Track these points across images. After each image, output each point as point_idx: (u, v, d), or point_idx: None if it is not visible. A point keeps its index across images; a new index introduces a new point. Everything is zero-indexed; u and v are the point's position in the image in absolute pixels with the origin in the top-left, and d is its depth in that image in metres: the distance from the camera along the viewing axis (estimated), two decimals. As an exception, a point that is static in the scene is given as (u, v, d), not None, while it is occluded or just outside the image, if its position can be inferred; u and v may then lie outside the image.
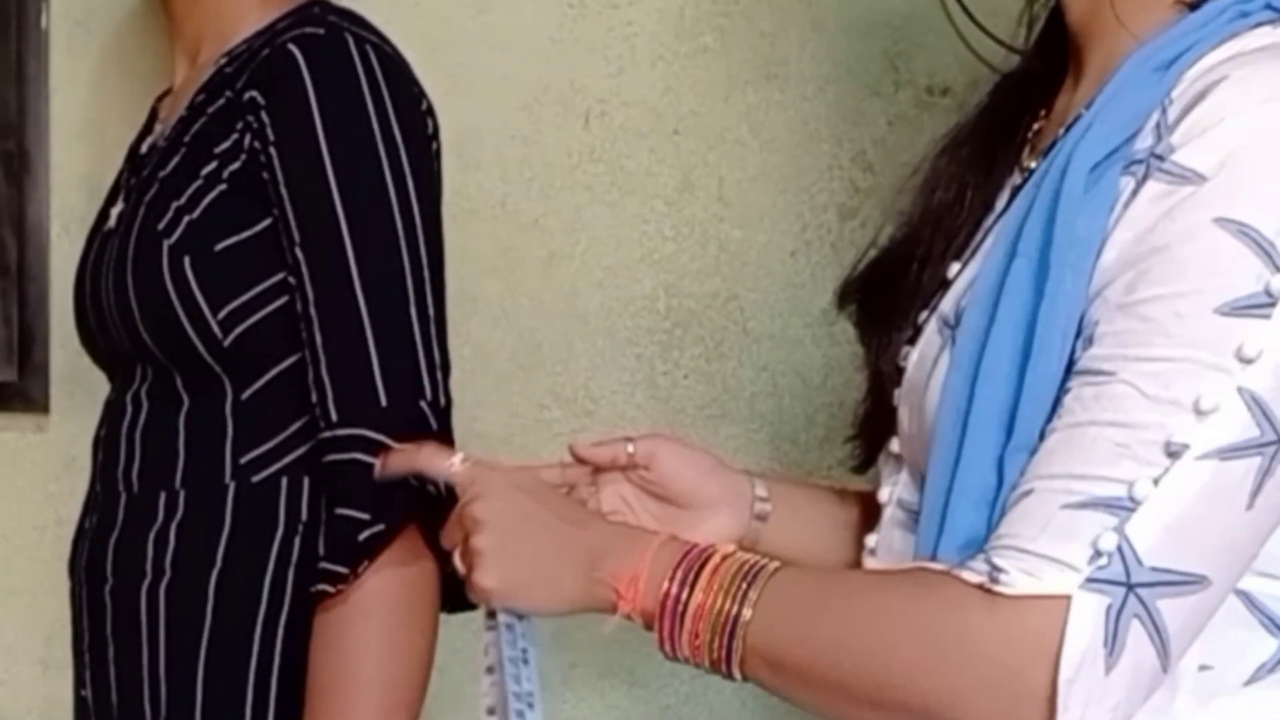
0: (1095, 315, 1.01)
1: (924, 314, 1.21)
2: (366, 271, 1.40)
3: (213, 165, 1.45)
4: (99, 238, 1.58)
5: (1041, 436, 1.02)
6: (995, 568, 0.99)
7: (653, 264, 1.93)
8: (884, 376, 1.24)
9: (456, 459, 1.20)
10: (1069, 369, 1.02)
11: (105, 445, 1.55)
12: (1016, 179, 1.20)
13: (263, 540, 1.47)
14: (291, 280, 1.42)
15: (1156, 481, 0.96)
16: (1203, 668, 1.03)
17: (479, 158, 1.91)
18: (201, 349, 1.44)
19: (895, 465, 1.22)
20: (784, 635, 1.06)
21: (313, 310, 1.41)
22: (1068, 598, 0.96)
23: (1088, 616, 0.96)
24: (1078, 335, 1.02)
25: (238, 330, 1.44)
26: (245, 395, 1.46)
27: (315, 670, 1.41)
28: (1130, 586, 0.96)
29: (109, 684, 1.52)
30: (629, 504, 1.30)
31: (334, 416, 1.40)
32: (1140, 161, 1.01)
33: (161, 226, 1.46)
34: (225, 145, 1.45)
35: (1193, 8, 1.08)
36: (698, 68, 1.94)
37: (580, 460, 1.30)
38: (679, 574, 1.09)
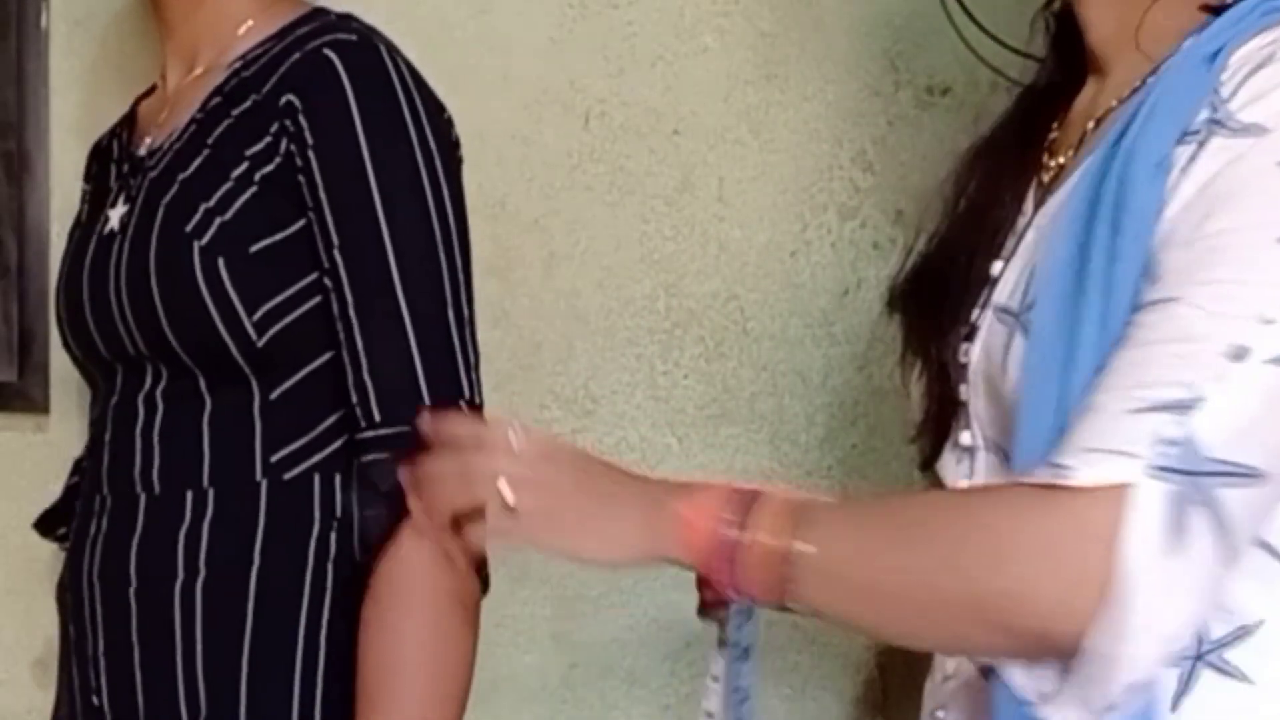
0: (1158, 258, 1.05)
1: (976, 311, 1.25)
2: (406, 275, 1.42)
3: (243, 167, 1.46)
4: (94, 240, 1.56)
5: None
6: (1059, 466, 1.01)
7: (653, 264, 1.93)
8: (946, 374, 1.26)
9: (514, 426, 1.20)
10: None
11: (114, 448, 1.54)
12: (1046, 176, 1.25)
13: (300, 537, 1.48)
14: (328, 282, 1.44)
15: (1220, 379, 0.99)
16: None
17: (479, 158, 1.91)
18: (234, 350, 1.45)
19: (968, 457, 1.25)
20: (855, 560, 1.08)
21: (352, 313, 1.42)
22: (1131, 485, 0.98)
23: (1152, 502, 0.98)
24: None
25: (271, 331, 1.45)
26: (274, 395, 1.47)
27: (367, 661, 1.42)
28: (1193, 475, 0.99)
29: (133, 688, 1.50)
30: None
31: (377, 417, 1.42)
32: (1196, 132, 1.07)
33: (190, 228, 1.46)
34: (258, 148, 1.46)
35: (1216, 12, 1.13)
36: (698, 68, 1.94)
37: None
38: (727, 514, 1.11)
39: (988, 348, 1.21)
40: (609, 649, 1.94)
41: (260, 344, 1.45)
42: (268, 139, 1.45)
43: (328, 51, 1.45)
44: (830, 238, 1.93)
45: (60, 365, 2.01)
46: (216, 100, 1.52)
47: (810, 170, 1.94)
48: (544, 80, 1.93)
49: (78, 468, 1.69)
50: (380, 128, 1.44)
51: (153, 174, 1.54)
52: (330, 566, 1.48)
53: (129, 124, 1.67)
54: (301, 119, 1.44)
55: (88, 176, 1.71)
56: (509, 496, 1.15)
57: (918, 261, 1.34)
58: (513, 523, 1.16)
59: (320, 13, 1.54)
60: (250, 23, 1.55)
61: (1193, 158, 1.06)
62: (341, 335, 1.44)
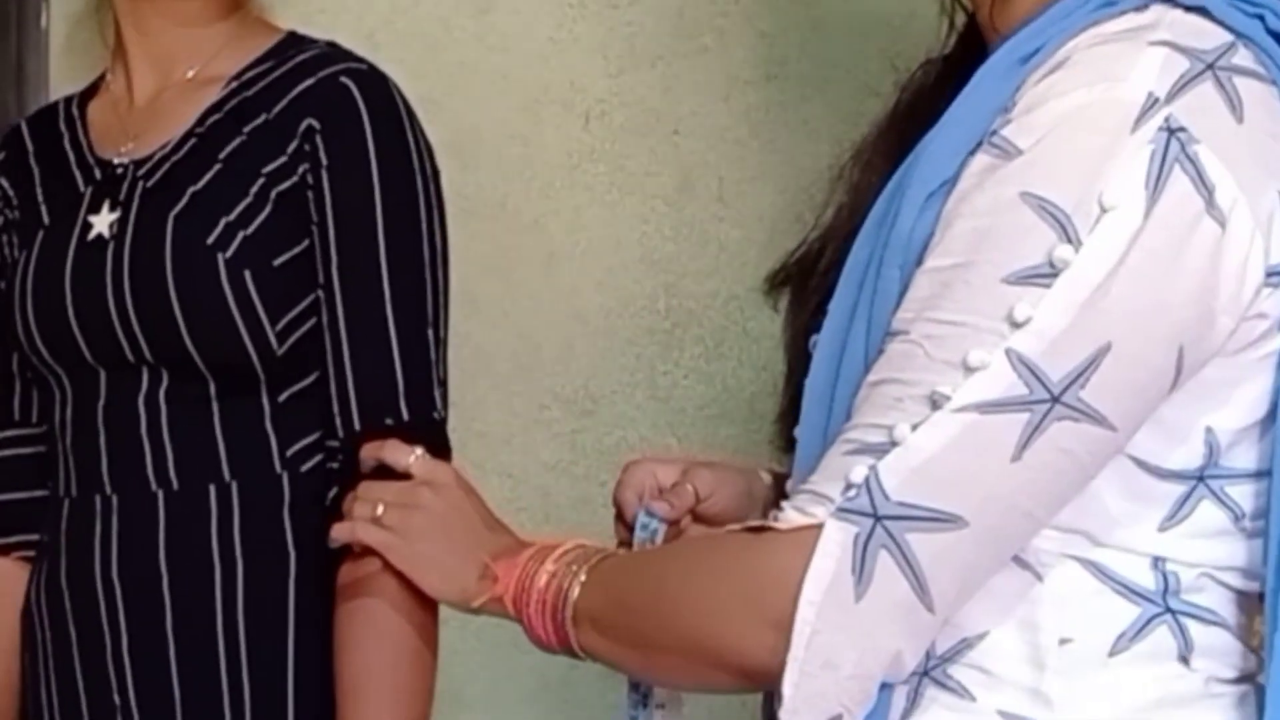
0: (912, 279, 1.05)
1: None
2: (397, 296, 1.51)
3: (260, 184, 1.52)
4: (74, 245, 1.56)
5: None
6: (778, 508, 1.03)
7: (653, 264, 1.93)
8: (795, 361, 1.25)
9: (417, 452, 1.34)
10: None
11: (112, 450, 1.55)
12: None
13: (326, 527, 1.50)
14: (321, 295, 1.51)
15: (915, 427, 1.00)
16: (1064, 641, 1.05)
17: (479, 158, 1.91)
18: (254, 357, 1.51)
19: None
20: (604, 603, 1.12)
21: (342, 327, 1.50)
22: (819, 526, 1.00)
23: (833, 543, 0.99)
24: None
25: (290, 340, 1.52)
26: (282, 398, 1.54)
27: (343, 664, 1.48)
28: (878, 518, 0.99)
29: (169, 685, 1.52)
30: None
31: (357, 426, 1.49)
32: (981, 142, 1.04)
33: (212, 241, 1.51)
34: (274, 166, 1.52)
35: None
36: (698, 68, 1.94)
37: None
38: (532, 563, 1.17)
39: None
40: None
41: (280, 352, 1.51)
42: (284, 158, 1.52)
43: (345, 80, 1.53)
44: (830, 238, 1.93)
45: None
46: (216, 117, 1.56)
47: (810, 170, 1.94)
48: (544, 80, 1.94)
49: None
50: (390, 157, 1.52)
51: (148, 184, 1.55)
52: (318, 567, 1.51)
53: (74, 128, 1.66)
54: (319, 141, 1.51)
55: (11, 177, 1.68)
56: (378, 512, 1.29)
57: (800, 247, 1.32)
58: (377, 534, 1.29)
59: (302, 38, 1.61)
60: (224, 42, 1.60)
61: (964, 173, 1.03)
62: (329, 347, 1.51)
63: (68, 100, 1.70)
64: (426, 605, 1.40)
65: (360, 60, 1.57)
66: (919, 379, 1.00)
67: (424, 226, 1.53)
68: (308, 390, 1.53)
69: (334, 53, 1.58)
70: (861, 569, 0.99)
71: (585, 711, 1.96)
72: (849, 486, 1.00)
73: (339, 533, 1.32)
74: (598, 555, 1.15)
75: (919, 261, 1.04)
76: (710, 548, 1.10)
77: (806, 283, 1.27)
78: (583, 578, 1.13)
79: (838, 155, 1.93)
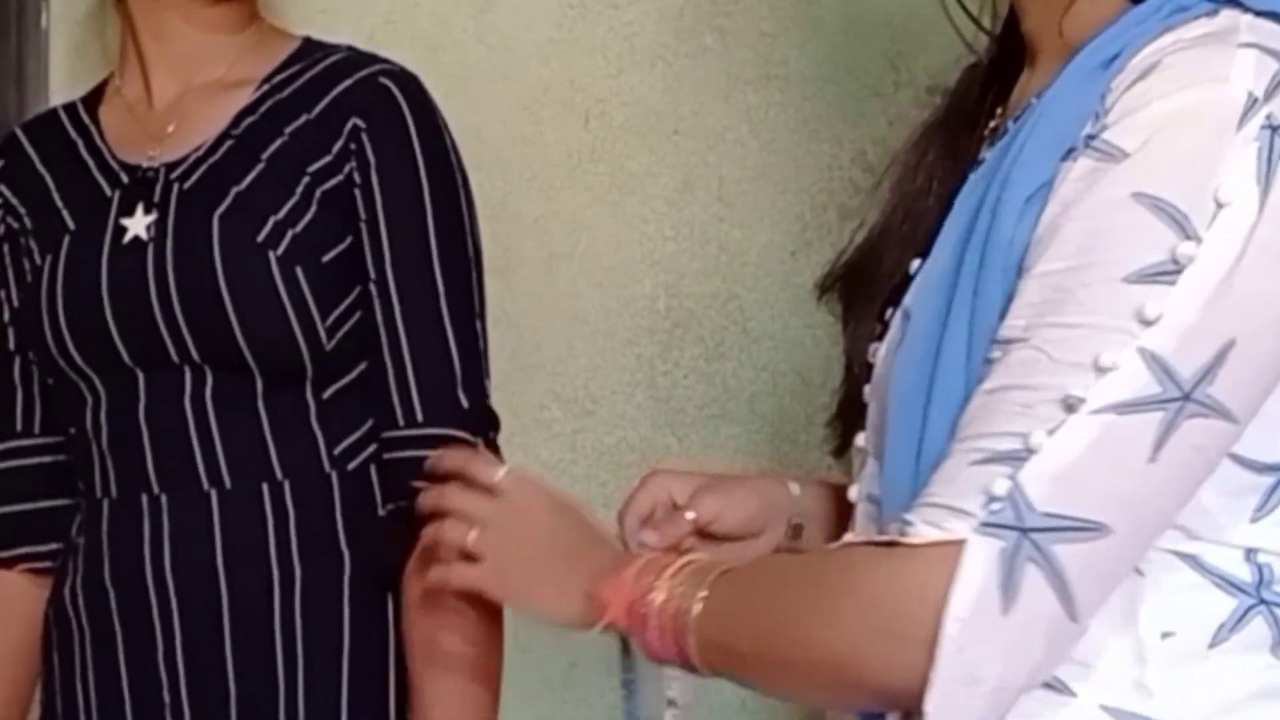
0: (1019, 286, 1.04)
1: (890, 309, 1.23)
2: (449, 288, 1.56)
3: (305, 183, 1.55)
4: (108, 248, 1.57)
5: None
6: (905, 523, 1.02)
7: (653, 264, 1.93)
8: (855, 368, 1.25)
9: (504, 469, 1.28)
10: None
11: (162, 450, 1.55)
12: (972, 173, 1.21)
13: (369, 528, 1.57)
14: (373, 291, 1.55)
15: (1051, 433, 0.98)
16: (1165, 635, 1.05)
17: (479, 158, 1.91)
18: (305, 353, 1.53)
19: (861, 460, 1.23)
20: (726, 623, 1.10)
21: (399, 320, 1.54)
22: (961, 542, 0.98)
23: (980, 559, 0.98)
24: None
25: (338, 336, 1.54)
26: (326, 394, 1.56)
27: (414, 667, 1.53)
28: (1024, 531, 0.98)
29: (224, 685, 1.53)
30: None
31: (419, 417, 1.54)
32: (1074, 149, 1.04)
33: (262, 239, 1.53)
34: (318, 165, 1.55)
35: (1135, 1, 1.10)
36: (698, 68, 1.94)
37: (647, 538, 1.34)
38: (645, 580, 1.14)
39: (888, 351, 1.19)
40: (609, 649, 1.93)
41: (329, 348, 1.54)
42: (329, 157, 1.55)
43: (385, 80, 1.58)
44: (830, 238, 1.93)
45: (60, 365, 2.01)
46: (251, 119, 1.58)
47: (810, 170, 1.94)
48: (544, 80, 1.94)
49: None
50: (433, 154, 1.58)
51: (184, 185, 1.57)
52: (369, 564, 1.56)
53: (89, 134, 1.66)
54: (365, 140, 1.55)
55: (13, 184, 1.67)
56: (471, 543, 1.23)
57: (850, 254, 1.31)
58: (472, 571, 1.24)
59: (320, 42, 1.64)
60: (246, 47, 1.62)
61: (1064, 178, 1.03)
62: (385, 342, 1.55)
63: (67, 108, 1.70)
64: (495, 612, 1.44)
65: (390, 61, 1.60)
66: (1047, 383, 0.99)
67: (465, 221, 1.59)
68: (351, 386, 1.57)
69: (361, 55, 1.62)
70: (1008, 583, 0.98)
71: (585, 711, 1.96)
72: (991, 499, 0.98)
73: (435, 577, 1.27)
74: (714, 571, 1.12)
75: (1021, 266, 1.04)
76: (836, 565, 1.06)
77: (864, 289, 1.26)
78: (703, 593, 1.11)
79: (837, 155, 1.94)
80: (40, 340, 1.59)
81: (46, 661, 1.63)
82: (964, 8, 1.29)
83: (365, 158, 1.55)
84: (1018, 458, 0.99)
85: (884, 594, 1.01)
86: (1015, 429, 0.99)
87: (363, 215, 1.55)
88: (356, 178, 1.55)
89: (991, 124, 1.25)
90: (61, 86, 2.01)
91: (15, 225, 1.65)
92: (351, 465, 1.57)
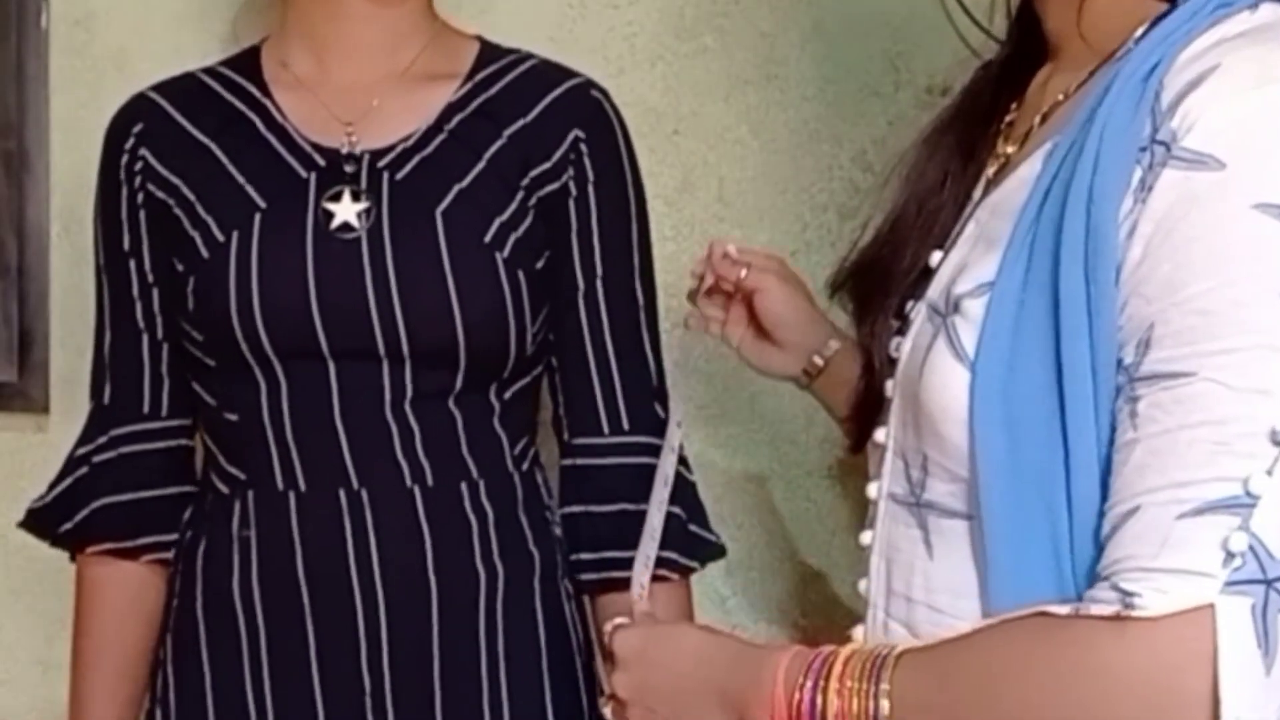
0: (1141, 315, 1.01)
1: (911, 303, 1.22)
2: (647, 303, 1.65)
3: (525, 186, 1.58)
4: (312, 233, 1.53)
5: (1100, 440, 1.02)
6: (1126, 594, 0.97)
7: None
8: (875, 364, 1.25)
9: (639, 594, 1.35)
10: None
11: (360, 444, 1.53)
12: (992, 168, 1.22)
13: (548, 528, 1.62)
14: (581, 303, 1.61)
15: (1270, 472, 0.95)
16: None
17: (479, 158, 1.91)
18: (514, 355, 1.56)
19: (878, 456, 1.23)
20: (930, 710, 1.05)
21: (607, 334, 1.62)
22: (1210, 606, 0.95)
23: (1237, 621, 0.95)
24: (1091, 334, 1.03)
25: (537, 340, 1.59)
26: (507, 395, 1.60)
27: None
28: (1269, 583, 0.95)
29: (430, 684, 1.54)
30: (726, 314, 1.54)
31: (626, 425, 1.62)
32: (1145, 149, 1.02)
33: (489, 240, 1.55)
34: (538, 171, 1.59)
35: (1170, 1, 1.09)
36: (698, 68, 1.94)
37: (713, 263, 1.50)
38: (808, 682, 1.10)
39: (915, 347, 1.18)
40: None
41: (529, 351, 1.58)
42: (548, 165, 1.59)
43: (596, 94, 1.64)
44: (830, 238, 1.93)
45: (60, 365, 2.01)
46: (462, 115, 1.59)
47: (810, 170, 1.94)
48: (544, 80, 1.93)
49: (76, 464, 1.65)
50: (635, 172, 1.64)
51: (396, 175, 1.55)
52: (565, 561, 1.63)
53: (266, 111, 1.61)
54: (584, 151, 1.60)
55: (158, 148, 1.62)
56: (614, 688, 1.23)
57: (862, 249, 1.32)
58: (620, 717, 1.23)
59: (499, 45, 1.69)
60: (430, 38, 1.63)
61: (1147, 186, 1.01)
62: (591, 353, 1.61)
63: (213, 75, 1.65)
64: None
65: (584, 74, 1.66)
66: (1235, 414, 0.96)
67: (648, 238, 1.66)
68: (525, 389, 1.61)
69: (552, 63, 1.67)
70: (1266, 639, 0.95)
71: (585, 711, 1.96)
72: (1229, 556, 0.95)
73: None
74: (881, 662, 1.08)
75: (1117, 281, 1.01)
76: (1062, 645, 1.00)
77: (881, 284, 1.26)
78: (885, 686, 1.07)
79: (837, 155, 1.93)
80: (222, 321, 1.53)
81: (186, 660, 1.58)
82: (964, 8, 1.29)
83: (584, 170, 1.59)
84: (1241, 505, 0.95)
85: (1144, 673, 0.97)
86: (1224, 473, 0.96)
87: (574, 226, 1.60)
88: (573, 188, 1.59)
89: (1007, 118, 1.25)
90: (61, 86, 2.01)
91: (162, 195, 1.59)
92: (525, 467, 1.62)
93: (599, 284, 1.61)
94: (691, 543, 1.63)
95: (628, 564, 1.48)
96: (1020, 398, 1.05)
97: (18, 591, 2.06)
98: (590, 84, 1.64)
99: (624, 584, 1.44)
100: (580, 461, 1.62)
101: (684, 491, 1.62)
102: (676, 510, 1.59)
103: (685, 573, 1.63)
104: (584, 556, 1.61)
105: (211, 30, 1.97)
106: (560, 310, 1.60)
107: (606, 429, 1.61)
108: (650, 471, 1.50)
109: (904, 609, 1.18)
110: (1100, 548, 1.02)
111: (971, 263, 1.14)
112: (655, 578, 1.46)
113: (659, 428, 1.60)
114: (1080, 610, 1.00)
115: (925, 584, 1.16)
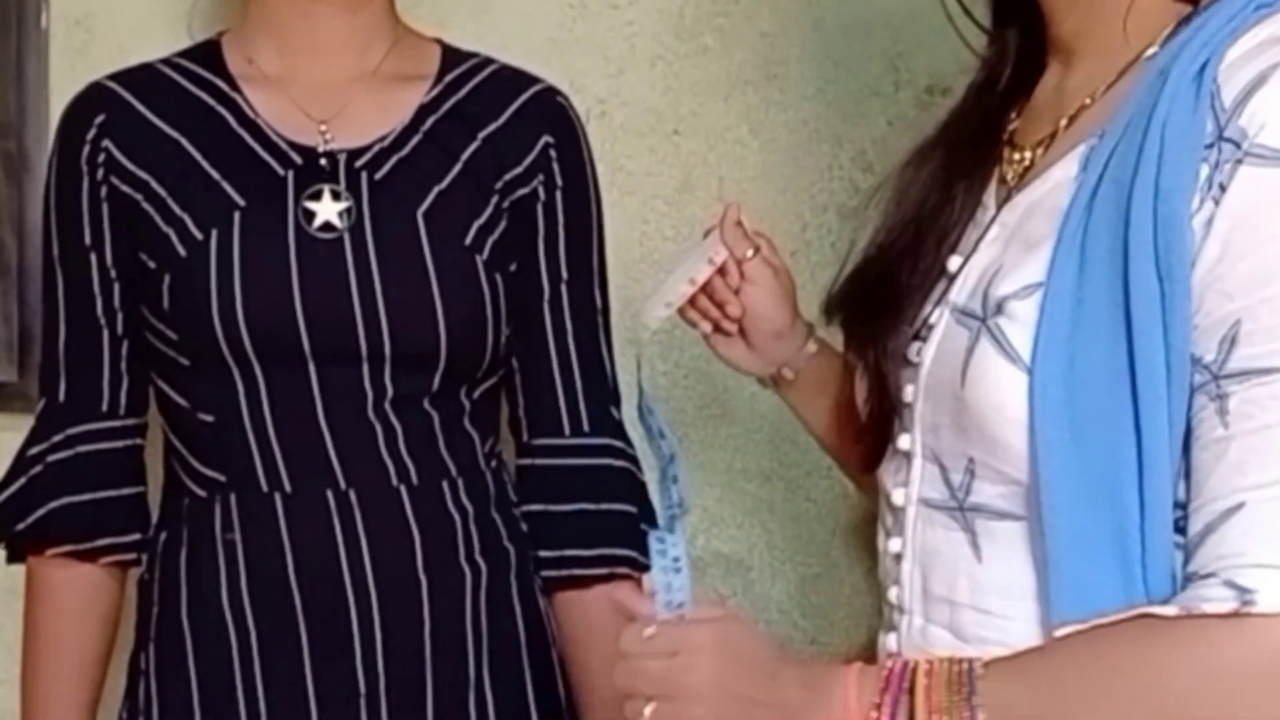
0: (1223, 312, 1.01)
1: (928, 308, 1.22)
2: (604, 309, 1.66)
3: (499, 190, 1.59)
4: (294, 233, 1.52)
5: (1172, 424, 1.02)
6: (1243, 589, 0.98)
7: (653, 264, 1.93)
8: (887, 376, 1.24)
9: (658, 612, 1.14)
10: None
11: (345, 445, 1.53)
12: (1009, 173, 1.22)
13: (518, 526, 1.64)
14: (545, 308, 1.62)
15: None
16: None
17: (479, 158, 1.91)
18: (489, 356, 1.57)
19: (905, 463, 1.22)
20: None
21: (570, 338, 1.62)
22: None
23: None
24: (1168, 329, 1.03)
25: (504, 342, 1.59)
26: (476, 395, 1.60)
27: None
28: None
29: (423, 683, 1.54)
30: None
31: (586, 427, 1.62)
32: (1210, 146, 1.02)
33: (469, 243, 1.56)
34: (512, 175, 1.59)
35: (1195, 2, 1.10)
36: (698, 68, 1.94)
37: (726, 230, 1.46)
38: (888, 700, 1.07)
39: (945, 350, 1.18)
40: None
41: (501, 353, 1.59)
42: (519, 169, 1.59)
43: (560, 100, 1.65)
44: (830, 238, 1.93)
45: (60, 365, 2.01)
46: (435, 117, 1.59)
47: (810, 170, 1.94)
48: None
49: (30, 463, 1.61)
50: (595, 179, 1.65)
51: (375, 175, 1.55)
52: (527, 560, 1.64)
53: (236, 107, 1.58)
54: (554, 158, 1.61)
55: (122, 141, 1.58)
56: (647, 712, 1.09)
57: (859, 263, 1.31)
58: None
59: (458, 48, 1.68)
60: (394, 39, 1.62)
61: (1218, 184, 1.02)
62: (554, 356, 1.62)
63: (172, 66, 1.62)
64: None
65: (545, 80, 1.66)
66: None
67: (604, 244, 1.67)
68: (491, 390, 1.61)
69: (512, 66, 1.66)
70: None
71: (585, 711, 1.96)
72: None
73: None
74: (972, 673, 1.06)
75: (1188, 278, 1.02)
76: (1160, 647, 1.01)
77: (897, 291, 1.24)
78: (979, 700, 1.04)
79: (837, 155, 1.93)
80: (203, 320, 1.50)
81: (171, 668, 1.56)
82: (964, 8, 1.29)
83: (553, 176, 1.60)
84: None
85: (1260, 669, 0.98)
86: None
87: (541, 230, 1.60)
88: (541, 193, 1.60)
89: (1011, 126, 1.25)
90: (61, 86, 2.01)
91: (127, 189, 1.56)
92: (494, 464, 1.62)
93: (563, 288, 1.62)
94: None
95: (588, 562, 1.58)
96: (1084, 397, 1.05)
97: (17, 591, 2.06)
98: (554, 90, 1.65)
99: (584, 581, 1.58)
100: (540, 461, 1.63)
101: (638, 491, 1.64)
102: (632, 509, 1.62)
103: (645, 570, 1.59)
104: (544, 554, 1.63)
105: (211, 30, 1.97)
106: (524, 313, 1.60)
107: (568, 430, 1.63)
108: (609, 473, 1.61)
109: (946, 613, 1.17)
110: (1180, 546, 1.02)
111: (1009, 264, 1.14)
112: (615, 576, 1.55)
113: (617, 429, 1.64)
114: (1191, 609, 1.00)
115: (971, 586, 1.15)
